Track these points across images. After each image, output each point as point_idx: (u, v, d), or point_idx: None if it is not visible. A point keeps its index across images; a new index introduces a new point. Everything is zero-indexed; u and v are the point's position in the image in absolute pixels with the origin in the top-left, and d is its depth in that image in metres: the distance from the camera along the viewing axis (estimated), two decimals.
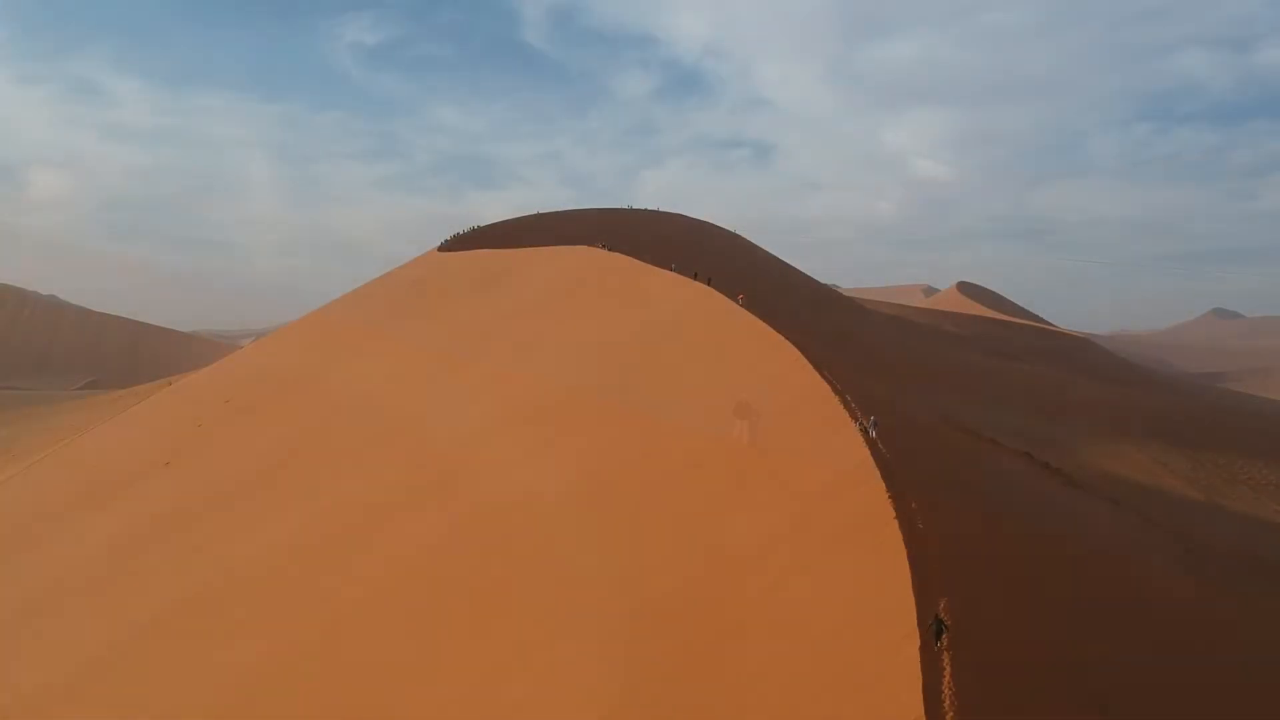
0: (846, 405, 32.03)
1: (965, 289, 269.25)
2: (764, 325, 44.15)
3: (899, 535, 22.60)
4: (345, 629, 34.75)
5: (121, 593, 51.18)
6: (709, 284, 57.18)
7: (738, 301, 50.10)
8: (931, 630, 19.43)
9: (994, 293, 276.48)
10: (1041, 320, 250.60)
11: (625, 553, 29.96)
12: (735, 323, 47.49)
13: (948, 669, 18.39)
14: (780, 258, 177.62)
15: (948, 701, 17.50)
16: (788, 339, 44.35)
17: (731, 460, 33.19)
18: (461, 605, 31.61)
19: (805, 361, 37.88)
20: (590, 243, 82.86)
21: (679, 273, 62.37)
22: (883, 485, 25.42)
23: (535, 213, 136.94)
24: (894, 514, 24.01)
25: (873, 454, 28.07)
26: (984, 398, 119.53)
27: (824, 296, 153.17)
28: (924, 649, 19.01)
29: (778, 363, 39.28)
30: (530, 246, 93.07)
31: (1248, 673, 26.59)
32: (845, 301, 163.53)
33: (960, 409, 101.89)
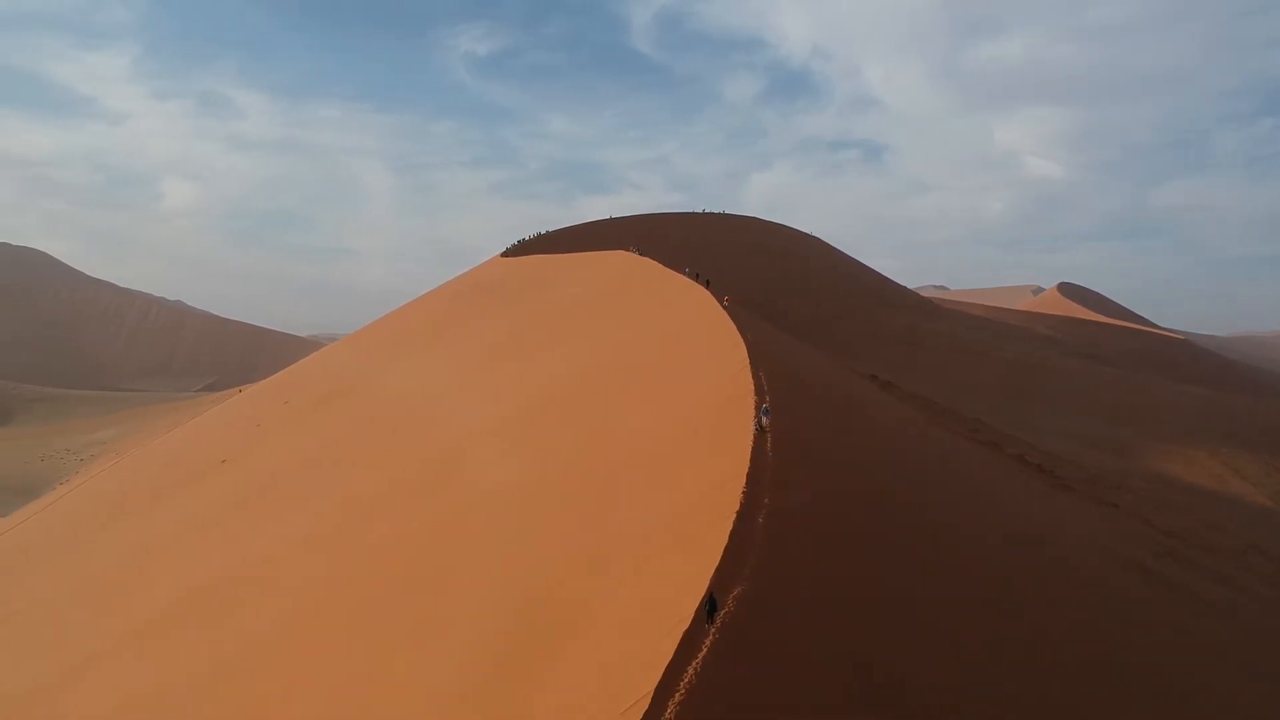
0: (758, 407, 32.82)
1: (1066, 290, 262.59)
2: (731, 327, 45.07)
3: (723, 538, 23.50)
4: (292, 624, 37.06)
5: (142, 585, 54.70)
6: (708, 285, 58.18)
7: (723, 304, 51.02)
8: (704, 608, 20.35)
9: (1096, 294, 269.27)
10: (1146, 322, 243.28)
11: (525, 549, 31.49)
12: (704, 326, 48.52)
13: (705, 648, 19.29)
14: (860, 260, 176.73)
15: (686, 681, 18.39)
16: (765, 339, 45.31)
17: (640, 460, 34.44)
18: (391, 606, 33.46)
19: (747, 363, 38.76)
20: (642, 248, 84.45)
21: (688, 275, 63.43)
22: (740, 486, 26.29)
23: (609, 217, 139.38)
24: (734, 512, 24.87)
25: (753, 454, 28.90)
26: (1052, 400, 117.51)
27: (897, 298, 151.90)
28: (691, 629, 19.94)
29: (729, 362, 40.20)
30: (580, 251, 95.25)
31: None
32: (920, 303, 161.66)
33: (1013, 411, 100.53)
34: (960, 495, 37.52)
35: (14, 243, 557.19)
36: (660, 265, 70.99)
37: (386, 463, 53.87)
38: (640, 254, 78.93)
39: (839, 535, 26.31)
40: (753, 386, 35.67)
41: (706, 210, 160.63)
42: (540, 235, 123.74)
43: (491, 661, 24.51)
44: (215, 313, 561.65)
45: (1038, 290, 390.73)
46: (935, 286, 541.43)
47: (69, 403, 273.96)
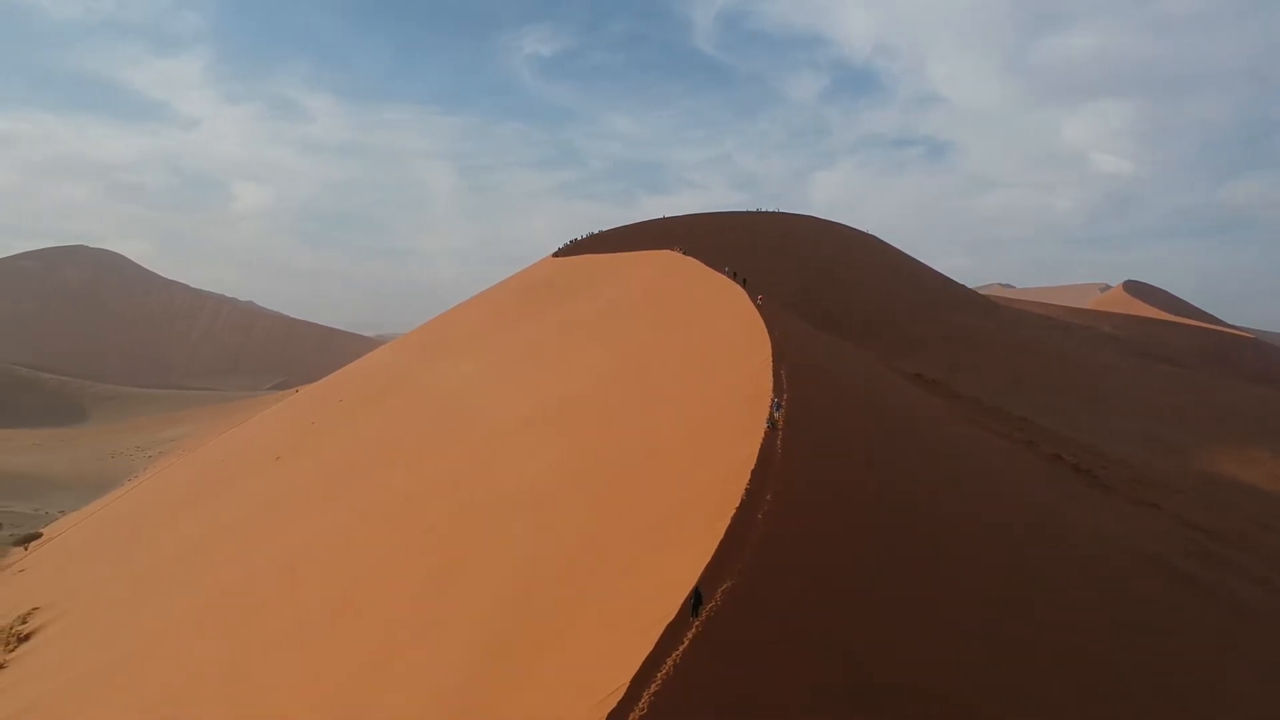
0: (773, 404, 32.97)
1: (1131, 288, 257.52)
2: (760, 325, 45.23)
3: (719, 535, 23.77)
4: (314, 619, 38.02)
5: (190, 578, 56.35)
6: (744, 284, 58.29)
7: (757, 303, 51.13)
8: (690, 603, 20.65)
9: (1164, 291, 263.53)
10: (1216, 320, 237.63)
11: (535, 546, 32.03)
12: (735, 325, 48.70)
13: (685, 643, 19.61)
14: (923, 258, 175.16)
15: (664, 674, 18.72)
16: (795, 337, 45.47)
17: (655, 457, 34.81)
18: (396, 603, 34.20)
19: (769, 361, 38.94)
20: (688, 247, 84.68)
21: (727, 275, 63.59)
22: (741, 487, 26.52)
23: (662, 217, 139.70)
24: (734, 508, 25.13)
25: (761, 451, 29.11)
26: (1110, 399, 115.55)
27: (954, 297, 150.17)
28: (674, 623, 20.25)
29: (753, 360, 40.38)
30: (630, 251, 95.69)
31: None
32: (978, 302, 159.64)
33: (1067, 410, 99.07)
34: (977, 494, 37.28)
35: (90, 245, 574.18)
36: (701, 265, 71.23)
37: (423, 460, 54.80)
38: (685, 254, 79.18)
39: (842, 533, 26.41)
40: (772, 384, 35.87)
41: (764, 210, 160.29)
42: (592, 235, 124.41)
43: (486, 656, 25.03)
44: (285, 313, 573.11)
45: (1105, 288, 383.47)
46: (1000, 284, 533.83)
47: (140, 401, 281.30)
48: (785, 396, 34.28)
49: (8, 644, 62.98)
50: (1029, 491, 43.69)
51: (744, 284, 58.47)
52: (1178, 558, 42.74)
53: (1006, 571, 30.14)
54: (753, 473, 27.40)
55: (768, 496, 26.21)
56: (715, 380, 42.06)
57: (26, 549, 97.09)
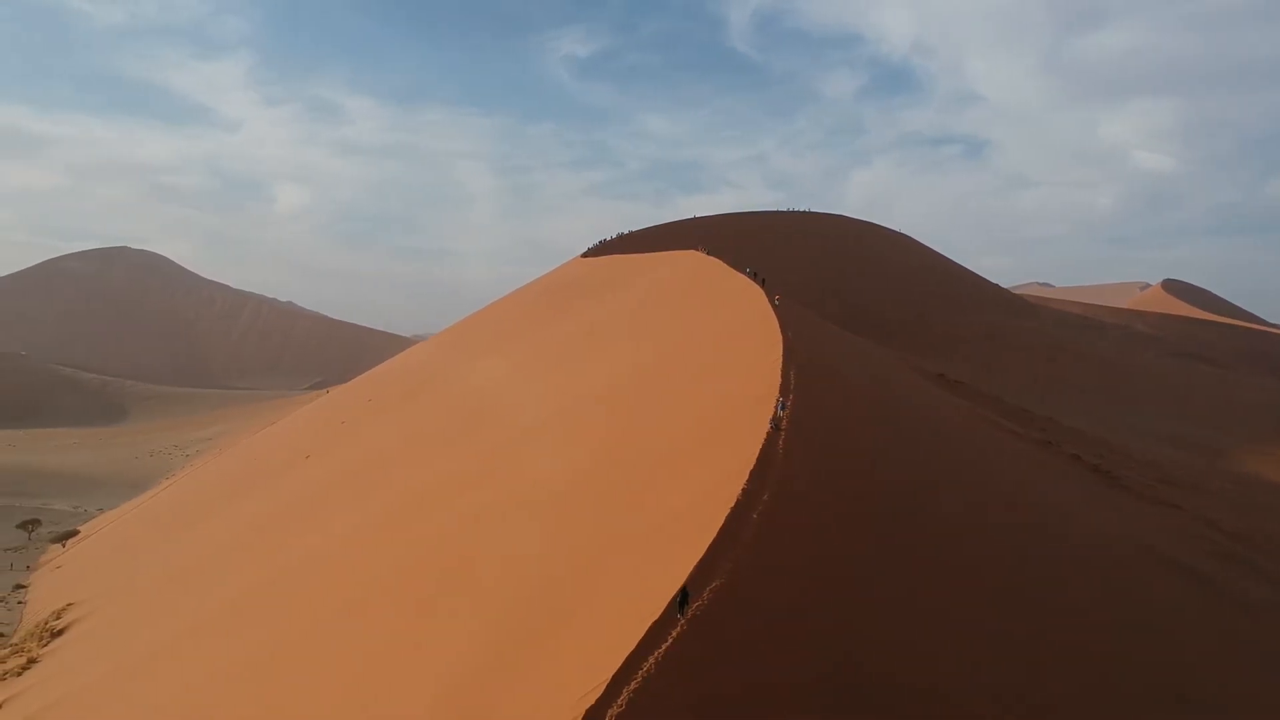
0: (777, 403, 33.09)
1: (1170, 287, 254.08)
2: (774, 325, 45.35)
3: (713, 533, 23.98)
4: (329, 616, 38.62)
5: (216, 577, 57.31)
6: (763, 284, 58.34)
7: (774, 302, 51.21)
8: (676, 600, 20.88)
9: (1203, 290, 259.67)
10: (1258, 320, 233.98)
11: (543, 543, 32.40)
12: (751, 325, 48.82)
13: (669, 640, 19.85)
14: (959, 257, 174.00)
15: (645, 671, 18.95)
16: (810, 337, 45.60)
17: (664, 456, 35.07)
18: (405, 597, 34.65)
19: (779, 361, 39.07)
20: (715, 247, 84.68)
21: (748, 275, 63.62)
22: (738, 489, 26.69)
23: (692, 217, 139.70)
24: (729, 507, 25.31)
25: (762, 450, 29.26)
26: (1142, 399, 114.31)
27: (987, 296, 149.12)
28: (660, 621, 20.48)
29: (765, 360, 40.49)
30: (658, 251, 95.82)
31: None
32: (1011, 301, 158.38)
33: (1097, 410, 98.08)
34: (983, 494, 37.16)
35: (134, 246, 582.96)
36: (723, 265, 71.32)
37: (445, 459, 55.32)
38: (709, 254, 79.27)
39: (839, 533, 26.46)
40: (780, 384, 35.98)
41: (798, 209, 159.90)
42: (621, 236, 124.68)
43: (489, 655, 25.33)
44: (324, 314, 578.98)
45: (1145, 287, 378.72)
46: (1039, 284, 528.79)
47: (179, 400, 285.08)
48: (791, 397, 34.38)
49: (41, 639, 64.21)
50: (1039, 492, 43.45)
51: (763, 284, 58.52)
52: (1194, 558, 42.34)
53: (1007, 571, 30.06)
54: (751, 473, 27.55)
55: (765, 497, 26.34)
56: (728, 381, 42.19)
57: (64, 546, 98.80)
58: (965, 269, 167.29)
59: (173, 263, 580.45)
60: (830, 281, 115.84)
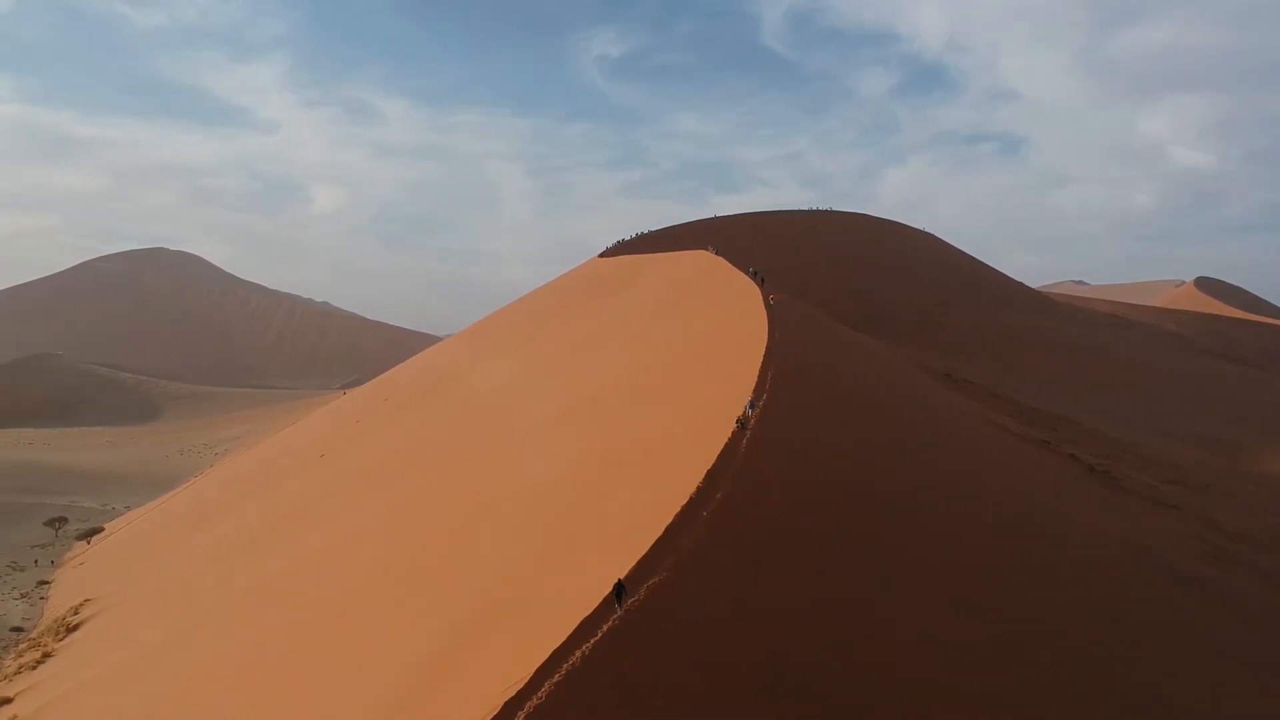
0: (748, 406, 33.54)
1: (1203, 285, 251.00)
2: (763, 325, 45.84)
3: (659, 531, 24.52)
4: (315, 614, 39.56)
5: (221, 573, 58.46)
6: (762, 283, 58.67)
7: (768, 302, 51.55)
8: (613, 593, 21.42)
9: (1237, 288, 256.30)
10: None
11: (515, 543, 33.08)
12: (743, 324, 49.26)
13: (599, 634, 20.38)
14: (993, 255, 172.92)
15: (570, 664, 19.49)
16: (800, 337, 46.02)
17: (639, 455, 35.65)
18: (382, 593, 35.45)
19: (759, 362, 39.50)
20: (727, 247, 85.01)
21: (749, 275, 63.94)
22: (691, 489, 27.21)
23: (712, 216, 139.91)
24: (680, 505, 25.83)
25: (724, 449, 29.73)
26: (1164, 398, 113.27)
27: (1012, 295, 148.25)
28: (593, 615, 21.03)
29: (748, 360, 40.91)
30: (672, 251, 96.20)
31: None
32: (1037, 301, 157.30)
33: (1116, 409, 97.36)
34: (960, 493, 37.27)
35: (171, 248, 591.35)
36: (728, 265, 71.65)
37: (443, 462, 56.19)
38: (717, 254, 79.61)
39: (788, 531, 26.82)
40: (755, 384, 36.39)
41: (823, 208, 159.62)
42: (640, 235, 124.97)
43: (436, 651, 26.07)
44: (359, 314, 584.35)
45: (1180, 284, 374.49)
46: (1074, 281, 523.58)
47: (212, 399, 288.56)
48: (764, 397, 34.77)
49: (57, 633, 65.53)
50: (1025, 491, 43.52)
51: (762, 283, 58.81)
52: (1186, 559, 42.29)
53: (979, 574, 30.26)
54: (708, 472, 28.01)
55: (718, 495, 26.81)
56: (712, 380, 42.64)
57: (89, 543, 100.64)
58: (991, 268, 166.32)
59: (208, 263, 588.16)
60: (848, 281, 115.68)
